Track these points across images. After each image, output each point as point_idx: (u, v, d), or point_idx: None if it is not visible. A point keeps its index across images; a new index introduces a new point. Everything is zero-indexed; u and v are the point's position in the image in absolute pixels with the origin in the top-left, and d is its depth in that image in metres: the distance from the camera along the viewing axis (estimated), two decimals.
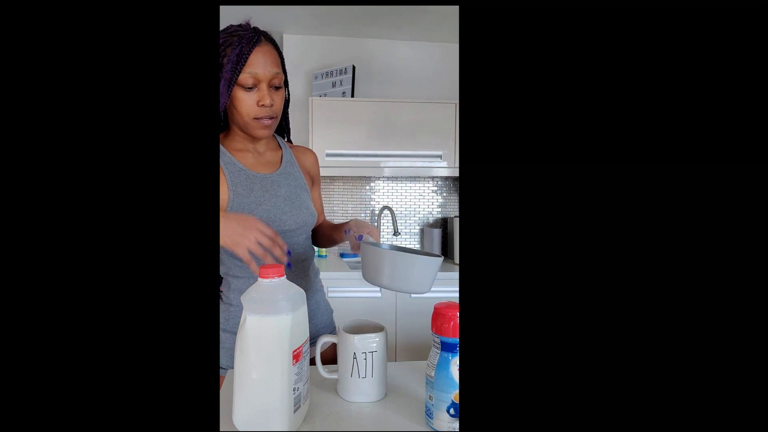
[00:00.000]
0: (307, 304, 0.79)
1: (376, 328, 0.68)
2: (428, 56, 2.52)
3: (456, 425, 0.55)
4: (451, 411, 0.55)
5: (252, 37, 0.77)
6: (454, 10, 2.08)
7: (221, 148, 0.84)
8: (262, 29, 0.81)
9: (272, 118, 0.80)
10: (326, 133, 2.18)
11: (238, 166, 0.83)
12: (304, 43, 2.45)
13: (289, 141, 0.97)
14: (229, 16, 2.32)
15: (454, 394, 0.55)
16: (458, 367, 0.55)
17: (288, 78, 0.84)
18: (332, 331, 0.98)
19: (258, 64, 0.76)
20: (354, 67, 2.33)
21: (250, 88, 0.77)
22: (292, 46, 2.44)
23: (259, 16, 2.21)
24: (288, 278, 0.62)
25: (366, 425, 0.59)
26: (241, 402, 0.55)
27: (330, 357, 0.85)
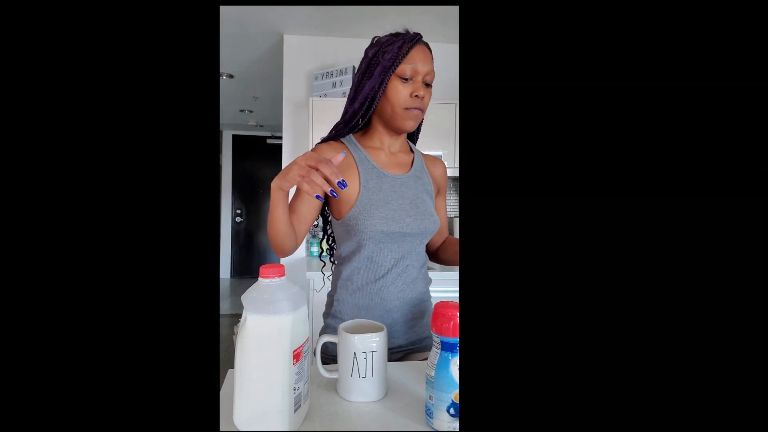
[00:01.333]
0: (423, 312, 0.84)
1: (376, 328, 0.68)
2: None
3: (456, 425, 0.55)
4: (451, 411, 0.55)
5: (414, 37, 0.83)
6: (454, 10, 2.08)
7: (357, 144, 0.87)
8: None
9: (421, 110, 0.83)
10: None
11: (371, 163, 0.86)
12: (304, 43, 2.45)
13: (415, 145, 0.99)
14: (230, 16, 2.32)
15: (454, 394, 0.55)
16: (458, 367, 0.55)
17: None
18: None
19: (417, 59, 0.81)
20: (354, 68, 2.33)
21: (407, 80, 0.81)
22: (292, 46, 2.44)
23: (259, 16, 2.21)
24: (407, 284, 0.73)
25: (366, 425, 0.59)
26: (242, 402, 0.55)
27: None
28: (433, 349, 0.58)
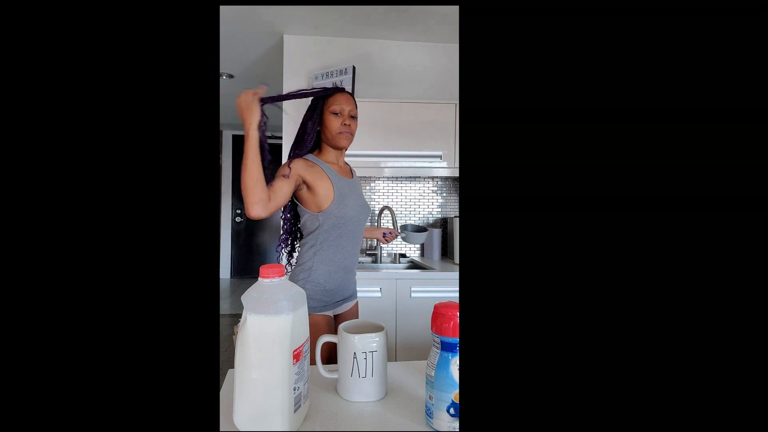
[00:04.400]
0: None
1: (376, 328, 0.68)
2: (428, 56, 2.52)
3: (456, 425, 0.55)
4: (451, 411, 0.55)
5: (341, 89, 1.24)
6: (454, 10, 2.08)
7: (318, 160, 1.21)
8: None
9: (350, 134, 1.21)
10: None
11: (333, 172, 1.20)
12: (304, 43, 2.45)
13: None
14: (230, 16, 2.31)
15: (454, 394, 0.55)
16: (458, 367, 0.55)
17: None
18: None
19: (342, 101, 1.21)
20: (354, 68, 2.33)
21: (337, 114, 1.19)
22: (292, 46, 2.44)
23: (259, 16, 2.21)
24: (357, 249, 1.25)
25: (366, 425, 0.59)
26: (242, 402, 0.55)
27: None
28: (433, 349, 0.58)
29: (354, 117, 1.23)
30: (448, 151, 2.24)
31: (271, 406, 0.54)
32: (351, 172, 1.34)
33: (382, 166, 2.24)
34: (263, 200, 0.99)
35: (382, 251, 2.52)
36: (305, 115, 1.24)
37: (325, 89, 1.22)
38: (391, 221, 2.51)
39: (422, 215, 2.59)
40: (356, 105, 1.26)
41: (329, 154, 1.25)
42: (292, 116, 2.33)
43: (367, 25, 2.30)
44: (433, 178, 2.58)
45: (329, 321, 1.17)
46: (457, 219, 2.31)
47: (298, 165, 1.14)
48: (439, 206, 2.60)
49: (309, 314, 1.03)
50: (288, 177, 1.09)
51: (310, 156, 1.21)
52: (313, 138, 1.22)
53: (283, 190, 1.07)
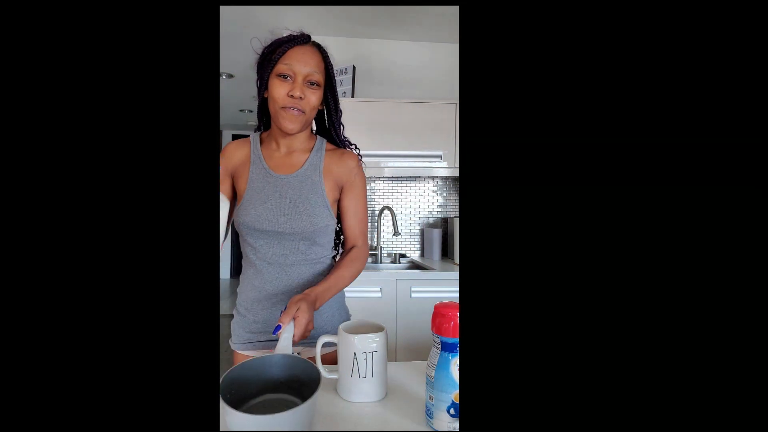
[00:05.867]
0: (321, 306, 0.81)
1: (376, 328, 0.68)
2: (428, 56, 2.52)
3: (456, 425, 0.55)
4: (451, 411, 0.55)
5: (295, 37, 0.83)
6: (454, 10, 2.08)
7: (257, 144, 0.91)
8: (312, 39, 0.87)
9: (301, 110, 0.82)
10: None
11: (263, 163, 0.89)
12: None
13: (340, 145, 0.96)
14: (230, 16, 2.31)
15: (454, 394, 0.55)
16: (458, 367, 0.55)
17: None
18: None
19: (295, 59, 0.81)
20: (354, 67, 2.33)
21: (285, 77, 0.81)
22: None
23: (259, 16, 2.21)
24: (293, 280, 0.75)
25: (366, 425, 0.59)
26: None
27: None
28: (433, 349, 0.58)
29: (313, 84, 0.83)
30: (448, 151, 2.24)
31: None
32: (304, 164, 0.89)
33: (382, 166, 2.24)
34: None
35: (383, 251, 2.52)
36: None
37: (278, 41, 0.84)
38: (391, 221, 2.51)
39: (422, 215, 2.59)
40: (327, 65, 0.86)
41: (274, 137, 0.90)
42: None
43: (367, 25, 2.30)
44: (433, 178, 2.58)
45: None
46: (457, 219, 2.31)
47: (228, 149, 0.91)
48: (439, 206, 2.60)
49: (236, 351, 0.90)
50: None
51: (255, 136, 0.93)
52: (262, 111, 0.92)
53: (222, 186, 0.86)
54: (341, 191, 0.92)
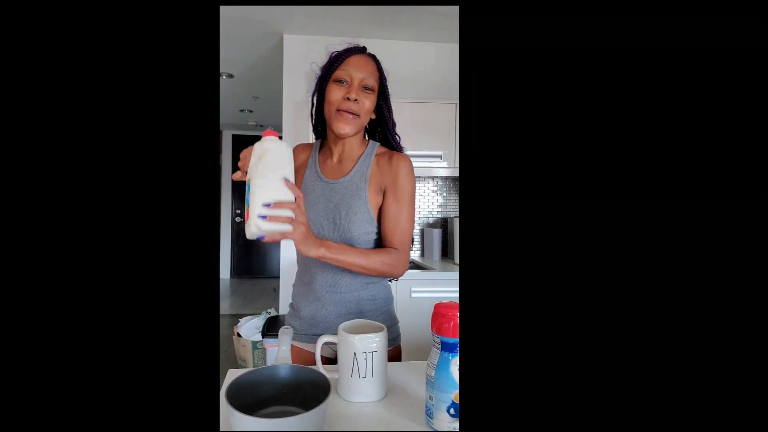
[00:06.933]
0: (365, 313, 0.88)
1: (376, 328, 0.68)
2: (428, 56, 2.52)
3: (456, 425, 0.55)
4: (451, 411, 0.55)
5: (354, 48, 0.91)
6: (454, 10, 2.08)
7: (317, 149, 0.96)
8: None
9: (356, 114, 0.87)
10: None
11: (315, 167, 0.94)
12: (304, 43, 2.45)
13: (395, 147, 0.99)
14: (230, 16, 2.31)
15: (454, 394, 0.55)
16: (458, 367, 0.55)
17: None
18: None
19: (353, 65, 0.88)
20: None
21: (342, 82, 0.87)
22: (292, 46, 2.44)
23: (259, 16, 2.21)
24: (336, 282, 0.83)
25: (366, 425, 0.59)
26: None
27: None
28: (433, 349, 0.58)
29: (368, 89, 0.88)
30: (448, 151, 2.24)
31: None
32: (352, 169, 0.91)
33: None
34: None
35: None
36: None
37: (338, 52, 0.91)
38: None
39: (422, 215, 2.59)
40: (381, 73, 0.92)
41: (328, 143, 0.95)
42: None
43: (367, 25, 2.30)
44: (433, 178, 2.58)
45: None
46: (457, 219, 2.31)
47: (296, 150, 0.97)
48: (439, 206, 2.60)
49: (294, 346, 0.92)
50: None
51: (317, 142, 0.99)
52: (315, 118, 0.98)
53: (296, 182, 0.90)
54: (383, 194, 0.91)
